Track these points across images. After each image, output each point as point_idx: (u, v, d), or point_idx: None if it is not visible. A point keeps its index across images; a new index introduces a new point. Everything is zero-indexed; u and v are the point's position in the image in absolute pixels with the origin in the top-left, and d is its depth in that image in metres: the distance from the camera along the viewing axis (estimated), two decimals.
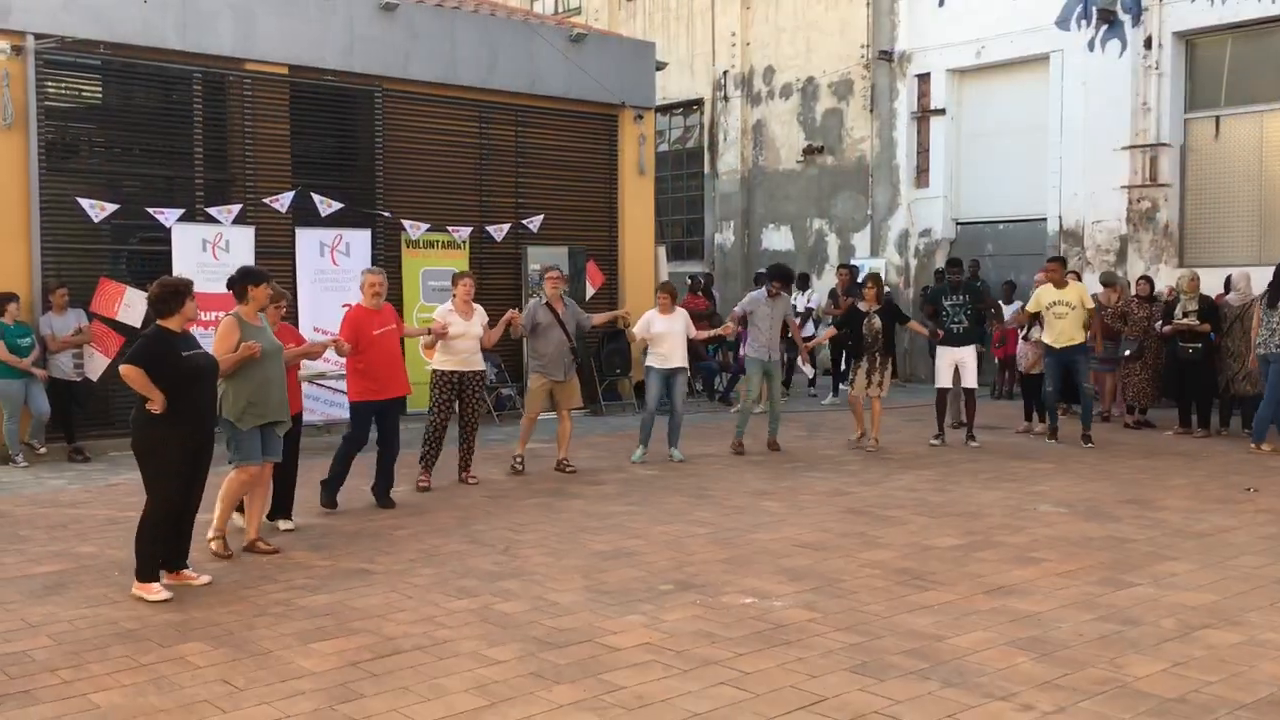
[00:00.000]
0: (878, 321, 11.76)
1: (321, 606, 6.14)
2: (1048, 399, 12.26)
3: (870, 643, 5.41)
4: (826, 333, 12.91)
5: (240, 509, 7.59)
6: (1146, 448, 11.75)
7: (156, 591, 6.29)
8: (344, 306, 12.89)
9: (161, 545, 6.43)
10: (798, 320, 13.92)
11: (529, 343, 10.56)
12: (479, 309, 9.87)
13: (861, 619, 5.80)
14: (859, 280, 17.49)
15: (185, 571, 6.62)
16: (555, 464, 10.56)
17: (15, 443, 11.05)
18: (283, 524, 8.02)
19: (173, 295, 6.54)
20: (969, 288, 12.45)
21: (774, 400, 11.83)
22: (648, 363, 11.21)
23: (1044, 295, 12.08)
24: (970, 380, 12.12)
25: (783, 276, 11.89)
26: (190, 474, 6.52)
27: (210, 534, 7.24)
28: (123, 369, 6.32)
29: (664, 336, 10.96)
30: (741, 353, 13.57)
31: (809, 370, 13.33)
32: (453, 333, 9.49)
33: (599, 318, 11.50)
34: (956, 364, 12.12)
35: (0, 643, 5.56)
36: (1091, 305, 12.07)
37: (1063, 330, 11.88)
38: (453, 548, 7.51)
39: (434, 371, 9.70)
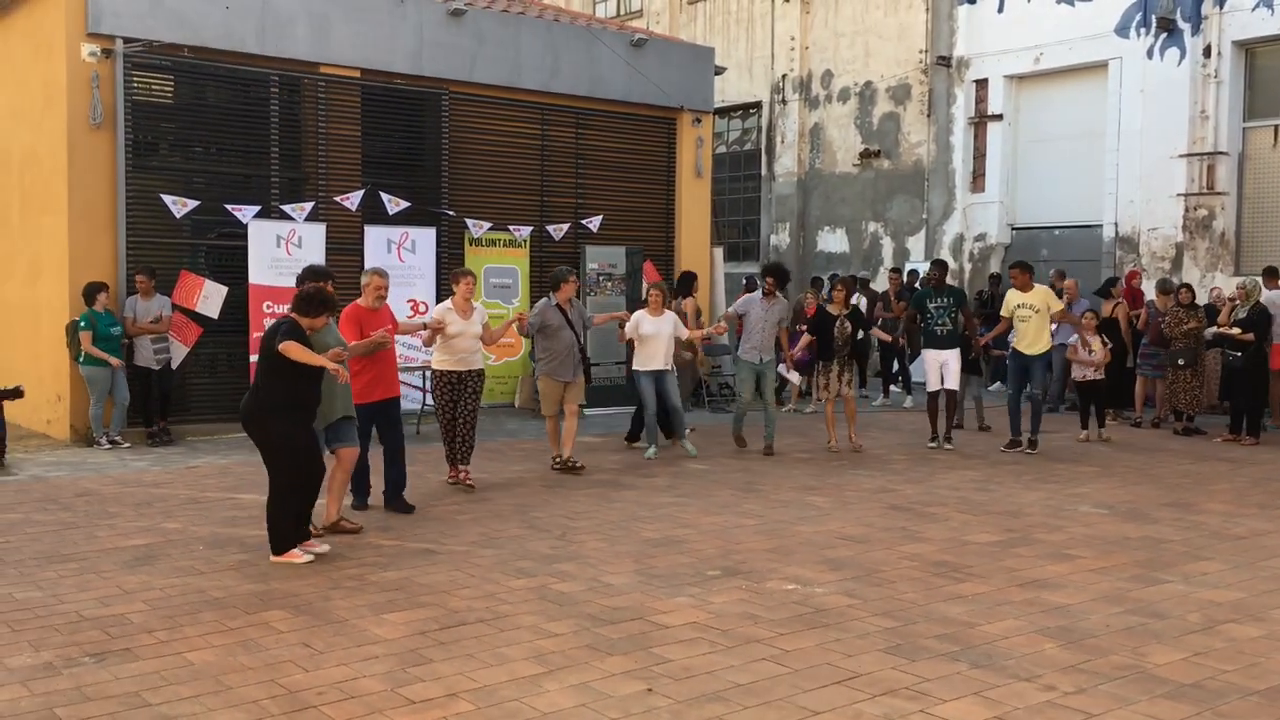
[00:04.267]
0: (849, 326, 11.75)
1: (391, 582, 6.58)
2: (1010, 404, 12.13)
3: (905, 627, 5.74)
4: (804, 340, 12.54)
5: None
6: (1194, 453, 11.90)
7: (300, 556, 6.96)
8: (409, 302, 13.51)
9: (293, 521, 7.03)
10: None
11: (538, 342, 10.45)
12: (478, 308, 9.63)
13: (898, 606, 6.12)
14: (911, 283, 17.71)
15: (309, 542, 7.19)
16: (554, 462, 10.42)
17: (99, 426, 11.66)
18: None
19: (321, 304, 7.11)
20: (952, 290, 12.31)
21: (768, 404, 11.70)
22: (635, 365, 11.26)
23: (1011, 299, 12.00)
24: (952, 382, 12.04)
25: (776, 273, 11.68)
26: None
27: (329, 520, 7.80)
28: (282, 346, 6.76)
29: (651, 338, 11.02)
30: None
31: (794, 377, 13.15)
32: (451, 331, 9.25)
33: (600, 317, 11.27)
34: (941, 366, 12.01)
35: (100, 606, 6.06)
36: (1059, 306, 11.92)
37: (1024, 334, 11.82)
38: (512, 532, 7.93)
39: (433, 371, 9.58)
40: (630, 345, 11.57)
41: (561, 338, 10.29)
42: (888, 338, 13.41)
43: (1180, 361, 13.27)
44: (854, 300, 16.88)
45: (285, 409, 6.89)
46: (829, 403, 11.98)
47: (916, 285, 17.62)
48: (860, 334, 12.23)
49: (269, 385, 6.93)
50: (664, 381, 11.15)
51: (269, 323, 12.64)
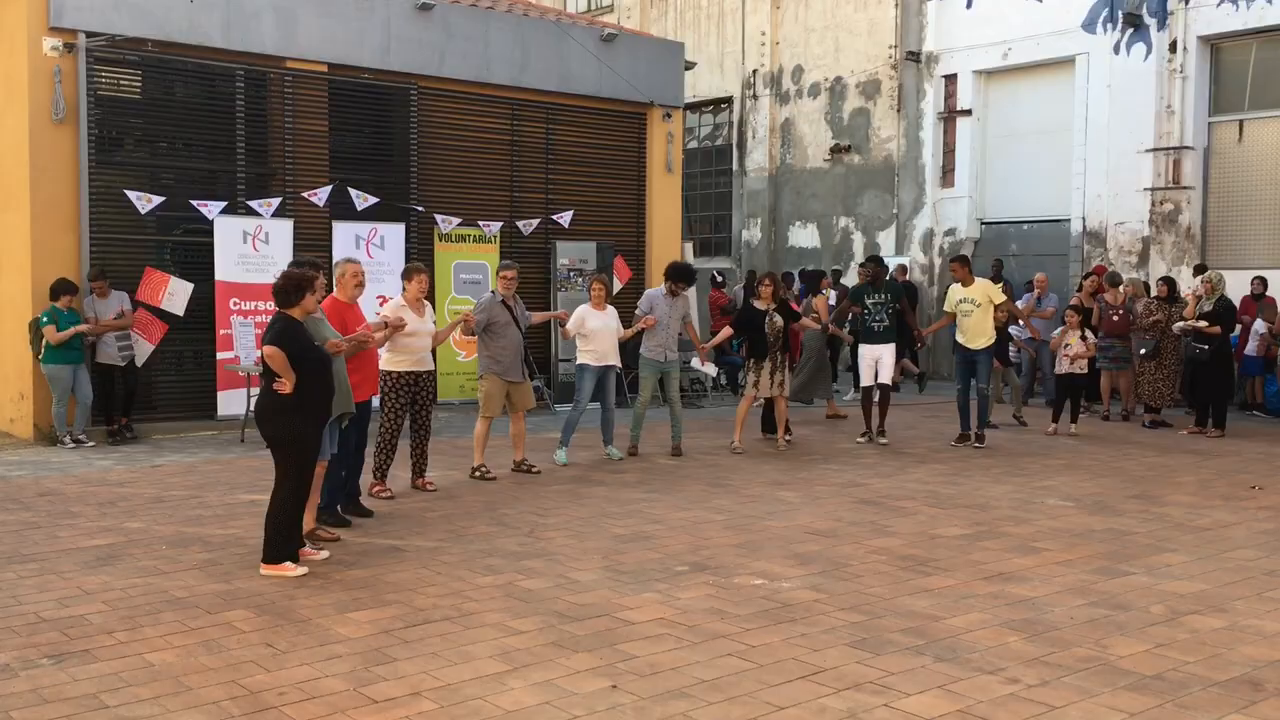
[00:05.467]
0: (779, 320, 11.47)
1: (357, 580, 6.53)
2: (959, 399, 12.08)
3: (871, 621, 5.75)
4: (723, 334, 12.22)
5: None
6: (1160, 446, 11.98)
7: (293, 569, 6.64)
8: (378, 298, 13.42)
9: (297, 529, 6.81)
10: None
11: (483, 342, 9.88)
12: (428, 306, 9.25)
13: (864, 600, 6.13)
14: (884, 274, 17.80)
15: (304, 549, 6.94)
16: (513, 465, 10.13)
17: (62, 425, 11.53)
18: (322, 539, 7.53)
19: (294, 289, 6.79)
20: (889, 286, 12.27)
21: (673, 403, 11.27)
22: (580, 360, 10.77)
23: (953, 294, 12.00)
24: (885, 377, 11.99)
25: (681, 276, 11.33)
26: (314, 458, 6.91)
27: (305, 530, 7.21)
28: (266, 349, 6.58)
29: (598, 333, 10.61)
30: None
31: (710, 370, 12.62)
32: (407, 329, 8.71)
33: (538, 316, 10.81)
34: (876, 361, 11.96)
35: (59, 607, 5.98)
36: (1000, 299, 11.85)
37: (968, 328, 11.79)
38: (480, 529, 7.89)
39: (386, 373, 8.86)
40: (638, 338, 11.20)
41: (508, 336, 9.84)
42: (814, 325, 13.17)
43: (1142, 351, 13.39)
44: (827, 295, 16.95)
45: (294, 408, 6.63)
46: (748, 400, 11.64)
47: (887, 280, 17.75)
48: (830, 329, 12.11)
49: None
50: (608, 379, 10.77)
51: (235, 319, 12.64)
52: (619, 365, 10.94)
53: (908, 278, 18.62)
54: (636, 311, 11.44)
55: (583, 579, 6.57)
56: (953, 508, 8.66)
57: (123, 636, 5.49)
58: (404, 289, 9.04)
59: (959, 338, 11.96)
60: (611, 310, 10.90)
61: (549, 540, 7.55)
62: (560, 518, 8.28)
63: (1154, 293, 14.26)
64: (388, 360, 8.89)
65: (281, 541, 6.67)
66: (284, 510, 6.69)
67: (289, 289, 6.81)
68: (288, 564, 6.68)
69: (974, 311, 11.76)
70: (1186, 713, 4.54)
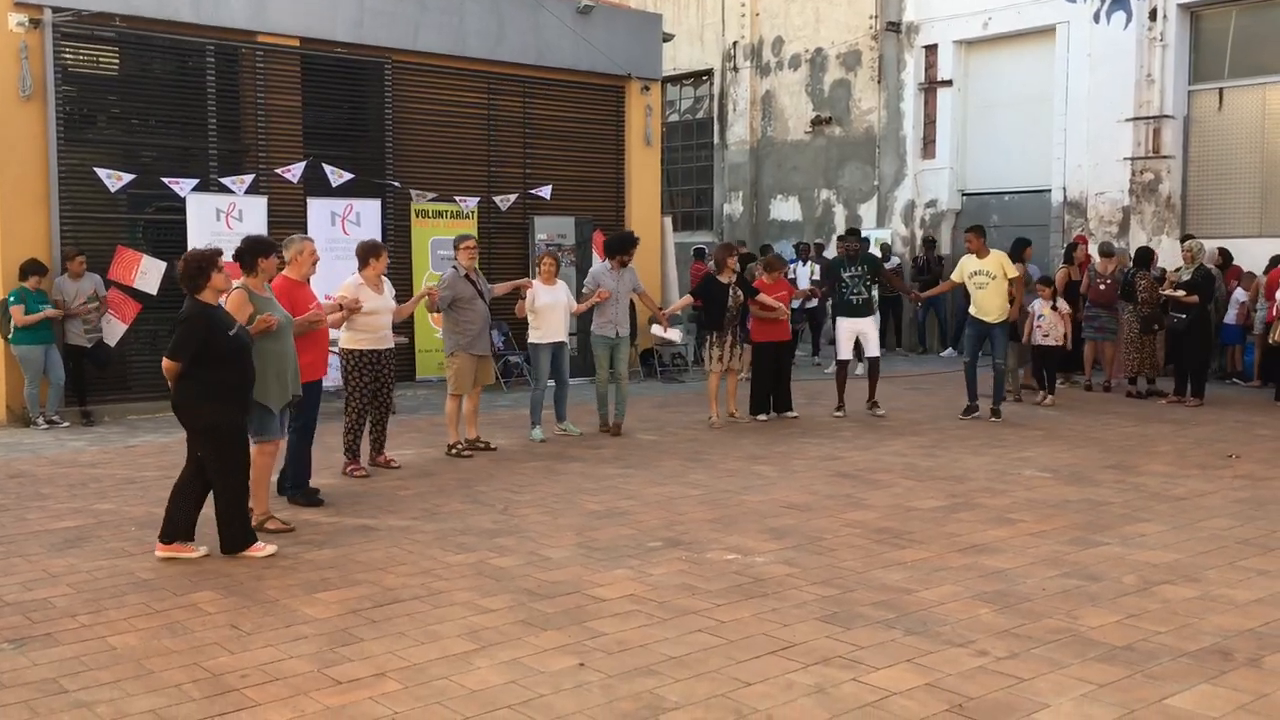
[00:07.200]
0: (740, 294, 11.23)
1: (326, 560, 6.47)
2: (967, 371, 11.90)
3: (842, 595, 5.72)
4: (682, 300, 12.09)
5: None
6: (1138, 416, 11.98)
7: (261, 549, 6.53)
8: (355, 274, 13.28)
9: (243, 512, 6.59)
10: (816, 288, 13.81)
11: (448, 317, 9.77)
12: (387, 282, 9.11)
13: (837, 574, 6.10)
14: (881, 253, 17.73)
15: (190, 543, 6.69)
16: (450, 449, 9.77)
17: (35, 406, 11.42)
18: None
19: (198, 271, 6.42)
20: (866, 258, 12.20)
21: (620, 379, 10.96)
22: (531, 339, 10.57)
23: (966, 265, 11.78)
24: (873, 350, 11.99)
25: (620, 248, 10.93)
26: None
27: (256, 519, 6.92)
28: (164, 363, 6.37)
29: (549, 309, 10.41)
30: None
31: (674, 335, 12.22)
32: (368, 308, 8.65)
33: (500, 287, 10.45)
34: (858, 335, 11.97)
35: (23, 590, 5.91)
36: (1014, 274, 11.70)
37: (982, 301, 11.59)
38: (453, 507, 7.83)
39: (349, 352, 8.80)
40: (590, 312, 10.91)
41: (476, 309, 9.71)
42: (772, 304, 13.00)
43: (1155, 326, 13.28)
44: (804, 270, 16.87)
45: (211, 396, 6.37)
46: (715, 375, 11.43)
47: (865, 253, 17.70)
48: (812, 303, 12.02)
49: (194, 373, 6.36)
50: (561, 354, 10.61)
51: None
52: (567, 341, 10.69)
53: (892, 257, 18.53)
54: (584, 290, 11.22)
55: (554, 556, 6.52)
56: (929, 480, 8.64)
57: (86, 620, 5.43)
58: (369, 265, 8.85)
59: (974, 311, 11.74)
60: (562, 285, 10.71)
61: (522, 517, 7.50)
62: (535, 494, 8.23)
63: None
64: (348, 339, 8.78)
65: (238, 529, 6.54)
66: (229, 500, 6.51)
67: (192, 272, 6.42)
68: (255, 545, 6.58)
69: (989, 284, 11.52)
70: (1155, 683, 4.52)
